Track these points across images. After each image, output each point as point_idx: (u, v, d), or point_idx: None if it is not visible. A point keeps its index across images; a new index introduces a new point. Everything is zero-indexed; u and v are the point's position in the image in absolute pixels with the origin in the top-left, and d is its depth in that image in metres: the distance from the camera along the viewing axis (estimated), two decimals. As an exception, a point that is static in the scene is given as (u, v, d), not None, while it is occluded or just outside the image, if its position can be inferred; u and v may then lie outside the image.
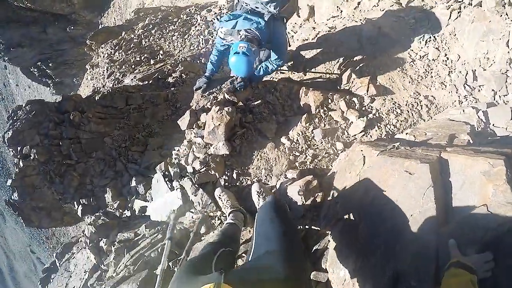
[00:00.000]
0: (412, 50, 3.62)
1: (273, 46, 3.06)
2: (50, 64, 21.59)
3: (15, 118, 4.91)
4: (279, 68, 3.44)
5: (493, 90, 3.15)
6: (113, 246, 3.74)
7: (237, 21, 2.84)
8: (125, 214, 3.92)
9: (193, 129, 3.16)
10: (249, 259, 1.68)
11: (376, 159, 2.26)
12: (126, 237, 3.56)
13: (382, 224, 1.96)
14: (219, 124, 2.86)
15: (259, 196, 2.70)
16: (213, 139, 2.94)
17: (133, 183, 3.83)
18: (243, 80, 3.21)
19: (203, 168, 2.94)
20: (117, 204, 3.93)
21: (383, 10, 3.91)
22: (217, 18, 6.92)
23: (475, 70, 3.30)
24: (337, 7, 4.43)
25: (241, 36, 2.79)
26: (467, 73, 3.34)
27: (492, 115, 2.91)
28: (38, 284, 9.62)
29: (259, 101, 3.14)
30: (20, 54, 21.16)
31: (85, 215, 4.33)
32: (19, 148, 4.68)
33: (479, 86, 3.24)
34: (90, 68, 8.03)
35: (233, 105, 3.08)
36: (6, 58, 21.84)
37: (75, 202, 4.40)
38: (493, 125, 2.89)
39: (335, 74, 3.68)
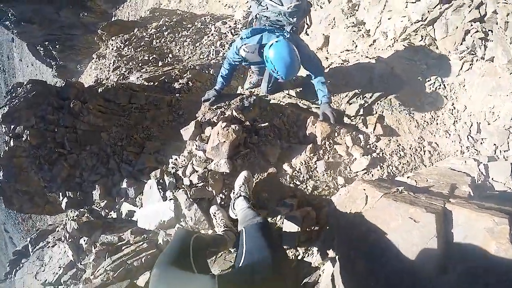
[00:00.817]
0: (421, 95, 3.67)
1: (304, 61, 2.90)
2: (57, 46, 21.70)
3: (14, 95, 4.76)
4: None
5: (494, 144, 3.20)
6: (94, 247, 3.62)
7: (261, 36, 2.77)
8: (110, 215, 3.81)
9: (196, 141, 3.10)
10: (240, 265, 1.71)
11: (380, 200, 2.25)
12: (109, 240, 3.45)
13: (381, 267, 1.94)
14: (224, 141, 2.82)
15: (243, 183, 2.67)
16: (216, 155, 2.89)
17: (124, 185, 3.73)
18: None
19: (200, 183, 2.88)
20: (104, 203, 3.82)
21: (397, 51, 3.96)
22: (231, 32, 6.98)
23: (480, 123, 3.36)
24: (353, 41, 4.49)
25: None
26: (471, 125, 3.39)
27: (492, 169, 2.95)
28: (7, 265, 9.33)
29: (266, 123, 3.12)
30: (29, 30, 21.20)
31: (69, 209, 4.19)
32: (12, 126, 4.52)
33: (482, 139, 3.29)
34: (96, 58, 7.91)
35: (240, 124, 3.05)
36: (15, 31, 21.91)
37: (60, 193, 4.25)
38: (492, 179, 2.93)
39: (343, 108, 3.69)
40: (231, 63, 3.20)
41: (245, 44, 2.83)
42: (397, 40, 4.11)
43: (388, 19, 4.30)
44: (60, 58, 22.36)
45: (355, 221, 2.35)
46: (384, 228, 2.05)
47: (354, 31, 4.62)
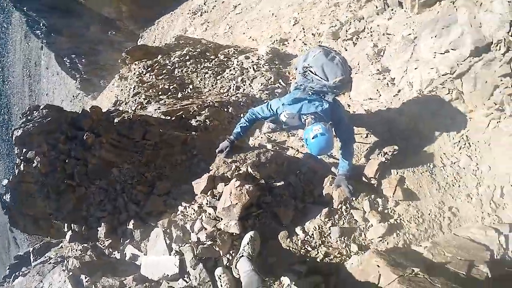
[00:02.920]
0: (444, 154, 3.51)
1: (335, 125, 2.91)
2: (83, 60, 22.72)
3: (29, 118, 4.70)
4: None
5: (517, 211, 3.03)
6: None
7: (302, 105, 2.82)
8: (114, 255, 3.72)
9: (207, 196, 3.00)
10: None
11: (394, 285, 2.15)
12: (110, 283, 3.34)
13: None
14: (237, 203, 2.70)
15: (248, 243, 2.63)
16: (226, 215, 2.78)
17: (130, 226, 3.64)
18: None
19: (208, 241, 2.77)
20: (108, 242, 3.73)
21: (421, 104, 3.81)
22: (253, 68, 6.89)
23: (503, 186, 3.19)
24: (377, 90, 4.34)
25: (306, 119, 2.78)
26: (494, 189, 3.23)
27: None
28: (7, 268, 9.39)
29: (282, 182, 3.00)
30: (58, 42, 22.50)
31: (73, 241, 4.12)
32: (24, 150, 4.46)
33: (505, 204, 3.12)
34: (118, 79, 7.91)
35: (254, 182, 2.94)
36: (45, 41, 23.12)
37: (65, 224, 4.19)
38: (511, 251, 2.77)
39: (362, 162, 3.56)
40: (256, 117, 3.21)
41: (285, 111, 2.86)
42: (423, 92, 3.95)
43: (415, 69, 4.14)
44: (84, 72, 23.34)
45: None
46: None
47: (378, 79, 4.46)
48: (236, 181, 2.80)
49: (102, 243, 3.84)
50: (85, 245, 3.89)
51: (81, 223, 4.03)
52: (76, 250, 4.08)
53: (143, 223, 3.62)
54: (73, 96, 25.05)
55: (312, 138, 2.65)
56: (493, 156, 3.39)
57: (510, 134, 3.35)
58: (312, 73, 2.99)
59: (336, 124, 2.91)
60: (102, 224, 3.83)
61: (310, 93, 2.96)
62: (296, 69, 3.25)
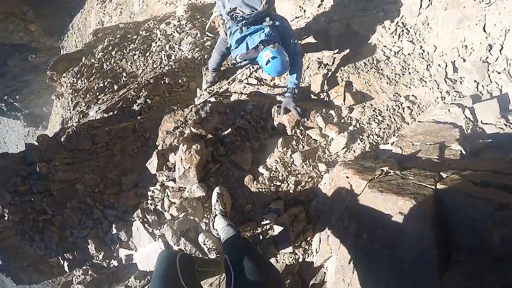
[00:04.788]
0: (385, 47, 3.41)
1: (282, 41, 2.90)
2: (17, 97, 21.02)
3: None
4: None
5: (475, 81, 2.96)
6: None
7: (246, 42, 2.80)
8: (112, 263, 3.68)
9: (164, 171, 2.91)
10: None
11: (366, 192, 2.05)
12: (117, 291, 3.33)
13: (378, 268, 1.77)
14: (189, 167, 2.61)
15: (217, 201, 2.61)
16: (186, 182, 2.69)
17: (114, 230, 3.58)
18: None
19: (181, 213, 2.71)
20: (102, 255, 3.68)
21: (348, 5, 3.67)
22: (177, 31, 6.66)
23: (455, 61, 3.11)
24: (300, 7, 4.17)
25: (260, 48, 2.74)
26: (446, 66, 3.14)
27: (479, 112, 2.74)
28: None
29: (229, 129, 2.90)
30: None
31: (73, 269, 4.07)
32: None
33: (461, 78, 3.05)
34: (56, 98, 7.62)
35: (202, 139, 2.84)
36: None
37: (59, 257, 4.13)
38: (481, 122, 2.71)
39: (308, 81, 3.45)
40: (220, 60, 3.70)
41: (237, 54, 2.86)
42: (345, -8, 3.79)
43: (330, -29, 3.97)
44: (24, 107, 21.79)
45: (344, 218, 2.18)
46: (375, 226, 1.87)
47: (298, -6, 4.28)
48: (183, 145, 2.71)
49: (97, 258, 3.80)
50: (84, 267, 3.86)
51: (73, 248, 3.97)
52: (79, 276, 4.06)
53: (124, 223, 3.55)
54: (25, 136, 23.67)
55: (266, 64, 2.67)
56: (435, 34, 3.30)
57: (445, 8, 3.24)
58: (239, 13, 2.91)
59: (282, 40, 2.89)
60: (89, 241, 3.78)
61: (247, 28, 2.89)
62: (222, 15, 3.18)
